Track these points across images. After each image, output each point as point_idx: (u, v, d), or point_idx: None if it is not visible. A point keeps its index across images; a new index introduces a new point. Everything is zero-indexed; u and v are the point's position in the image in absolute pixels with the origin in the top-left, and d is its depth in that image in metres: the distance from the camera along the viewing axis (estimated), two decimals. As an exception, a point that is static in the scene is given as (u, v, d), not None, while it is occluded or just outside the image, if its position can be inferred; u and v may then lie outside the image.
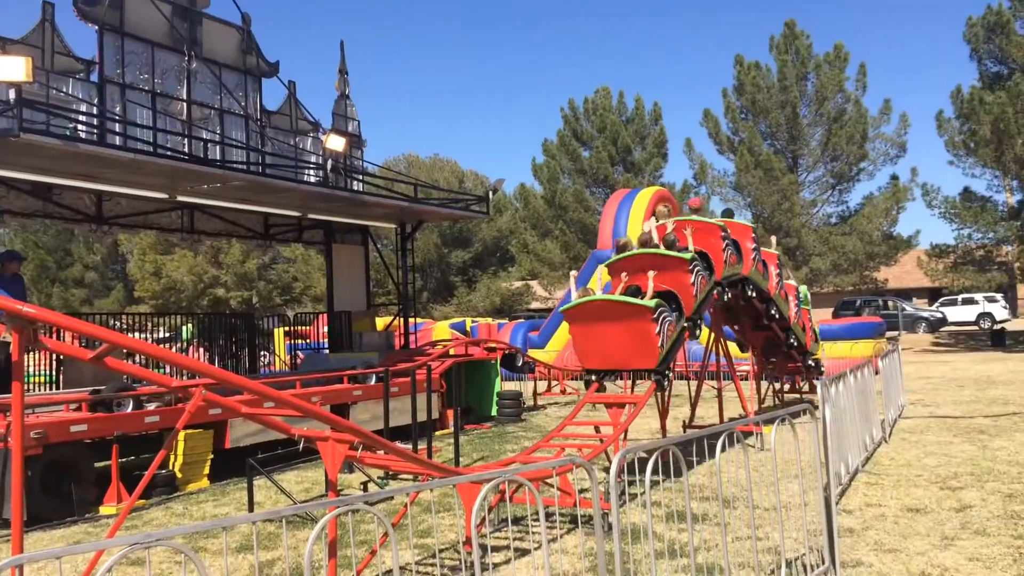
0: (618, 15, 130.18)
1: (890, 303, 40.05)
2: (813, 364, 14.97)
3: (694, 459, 10.47)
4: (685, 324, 9.87)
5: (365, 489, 9.25)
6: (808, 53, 37.41)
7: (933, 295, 49.41)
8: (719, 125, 39.08)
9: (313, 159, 15.89)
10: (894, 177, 37.43)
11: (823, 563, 5.79)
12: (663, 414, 11.10)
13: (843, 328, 24.17)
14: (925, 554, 6.26)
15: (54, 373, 12.89)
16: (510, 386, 18.55)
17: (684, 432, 11.95)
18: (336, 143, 14.48)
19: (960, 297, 42.37)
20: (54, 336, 11.21)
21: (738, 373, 13.08)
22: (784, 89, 37.08)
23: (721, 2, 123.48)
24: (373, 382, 13.14)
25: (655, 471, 4.67)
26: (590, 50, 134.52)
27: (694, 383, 13.27)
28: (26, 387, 13.50)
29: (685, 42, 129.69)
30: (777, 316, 13.19)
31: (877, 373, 12.09)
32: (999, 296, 41.76)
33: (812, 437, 6.19)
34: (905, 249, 37.95)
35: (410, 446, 10.31)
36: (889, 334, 29.96)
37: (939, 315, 40.76)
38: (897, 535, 6.81)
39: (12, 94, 9.52)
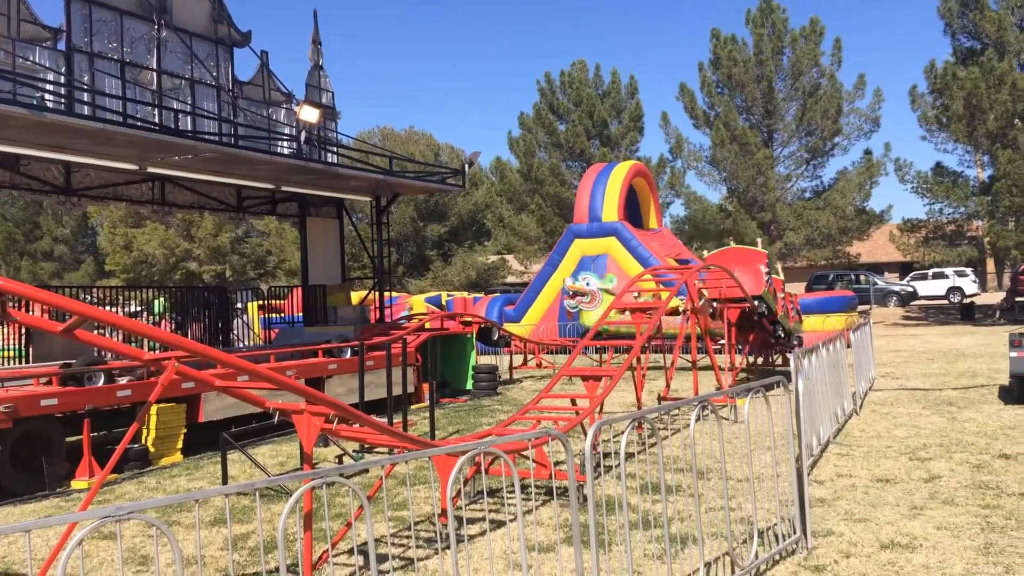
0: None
1: (862, 277, 40.45)
2: (796, 342, 15.82)
3: (668, 431, 10.57)
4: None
5: (340, 462, 9.24)
6: (784, 27, 37.44)
7: (904, 269, 49.96)
8: (695, 99, 39.11)
9: (286, 131, 15.71)
10: (868, 152, 37.74)
11: (795, 532, 5.86)
12: (639, 387, 11.15)
13: (816, 302, 24.41)
14: (894, 523, 6.36)
15: (23, 347, 12.71)
16: (486, 360, 18.58)
17: (659, 404, 12.03)
18: (309, 114, 14.31)
19: (931, 271, 42.86)
20: (23, 309, 11.05)
21: (713, 346, 13.18)
22: (760, 63, 37.13)
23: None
24: (348, 356, 13.09)
25: (630, 443, 4.69)
26: (567, 23, 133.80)
27: (669, 356, 13.34)
28: (-5, 361, 13.33)
29: (662, 15, 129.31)
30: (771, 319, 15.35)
31: (849, 346, 12.22)
32: (969, 270, 42.28)
33: (785, 409, 6.25)
34: (878, 224, 38.33)
35: (385, 419, 10.30)
36: (861, 308, 30.30)
37: (910, 289, 41.21)
38: (867, 505, 6.90)
39: (-24, 62, 9.30)
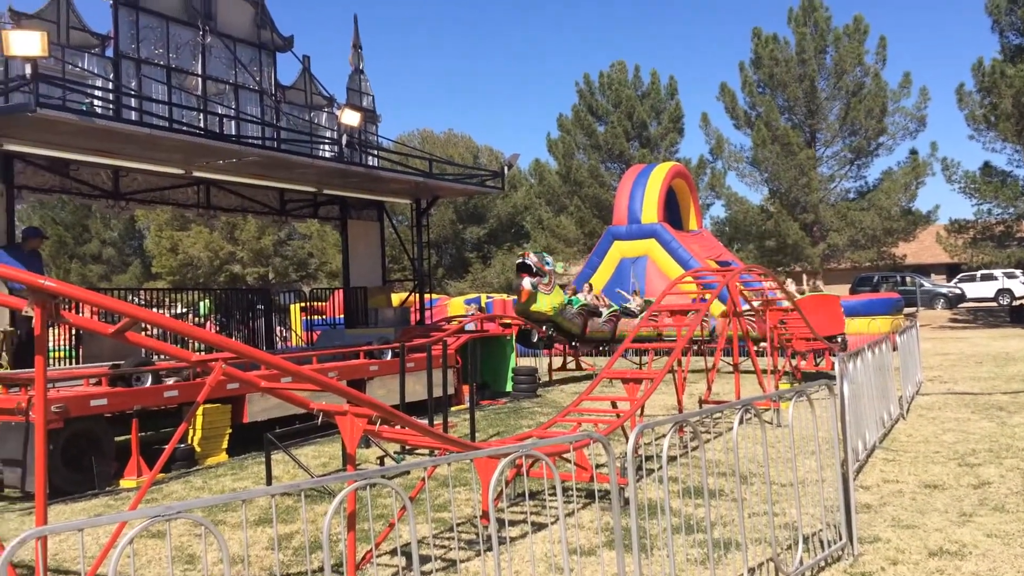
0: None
1: (908, 279, 39.76)
2: (840, 345, 15.91)
3: (711, 435, 10.48)
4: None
5: (382, 463, 9.31)
6: (827, 26, 36.97)
7: (952, 271, 49.00)
8: (736, 99, 38.75)
9: (328, 134, 15.87)
10: (913, 152, 37.10)
11: (840, 539, 5.78)
12: (680, 390, 11.09)
13: (861, 304, 24.07)
14: (943, 530, 6.24)
15: (73, 348, 12.98)
16: (525, 362, 18.58)
17: (700, 408, 11.94)
18: (351, 118, 14.45)
19: (979, 273, 42.00)
20: (73, 311, 11.28)
21: (755, 349, 13.05)
22: (802, 62, 36.69)
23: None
24: (389, 358, 13.17)
25: (671, 446, 4.66)
26: (605, 24, 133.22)
27: (711, 359, 13.24)
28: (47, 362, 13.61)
29: (702, 15, 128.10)
30: None
31: (895, 349, 12.02)
32: (1018, 272, 41.33)
33: (829, 413, 6.16)
34: (924, 224, 37.65)
35: (426, 421, 10.34)
36: (907, 310, 29.78)
37: (957, 291, 40.42)
38: (915, 511, 6.79)
39: (28, 69, 9.54)
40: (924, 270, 47.86)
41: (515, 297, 17.64)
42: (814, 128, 38.00)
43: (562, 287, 18.83)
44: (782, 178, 36.80)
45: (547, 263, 16.86)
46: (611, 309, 18.52)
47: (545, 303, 16.86)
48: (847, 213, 36.43)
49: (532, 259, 16.76)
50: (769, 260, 37.43)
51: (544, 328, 17.46)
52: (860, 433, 8.04)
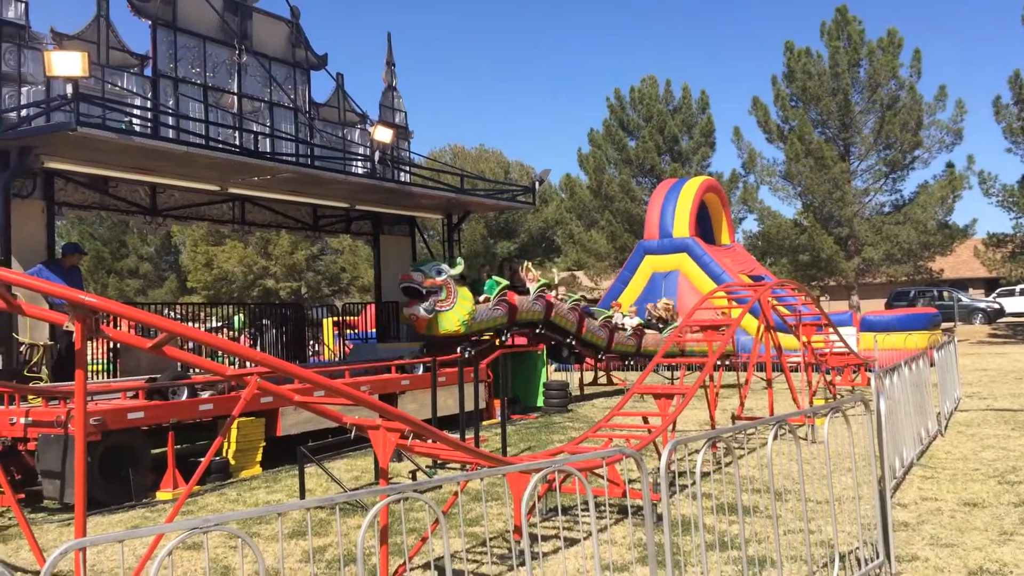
0: (665, 1, 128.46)
1: (945, 293, 39.14)
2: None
3: (744, 451, 10.39)
4: None
5: (414, 477, 9.33)
6: (860, 39, 36.64)
7: (990, 285, 48.19)
8: (768, 113, 38.49)
9: (361, 151, 16.02)
10: (950, 165, 36.54)
11: (877, 557, 5.70)
12: (712, 405, 11.01)
13: (897, 319, 23.71)
14: (983, 549, 6.13)
15: (111, 361, 13.16)
16: (557, 376, 18.55)
17: (733, 423, 11.84)
18: (383, 135, 14.57)
19: (1018, 287, 41.23)
20: (111, 325, 11.45)
21: (788, 364, 12.92)
22: (836, 76, 36.37)
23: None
24: (421, 372, 13.22)
25: (704, 462, 4.63)
26: (636, 38, 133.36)
27: (743, 374, 13.13)
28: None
29: (733, 29, 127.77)
30: None
31: (932, 365, 11.85)
32: (1059, 287, 40.60)
33: (866, 430, 6.09)
34: (961, 238, 37.05)
35: (457, 436, 10.36)
36: (944, 325, 29.32)
37: (996, 306, 39.71)
38: (954, 529, 6.67)
39: (69, 88, 9.75)
40: (962, 284, 47.11)
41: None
42: (848, 142, 37.62)
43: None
44: (816, 192, 36.46)
45: (437, 273, 13.97)
46: (540, 284, 16.70)
47: (450, 322, 13.98)
48: (882, 227, 35.98)
49: (416, 279, 13.81)
50: (803, 275, 37.04)
51: (460, 350, 13.76)
52: (897, 450, 7.93)
